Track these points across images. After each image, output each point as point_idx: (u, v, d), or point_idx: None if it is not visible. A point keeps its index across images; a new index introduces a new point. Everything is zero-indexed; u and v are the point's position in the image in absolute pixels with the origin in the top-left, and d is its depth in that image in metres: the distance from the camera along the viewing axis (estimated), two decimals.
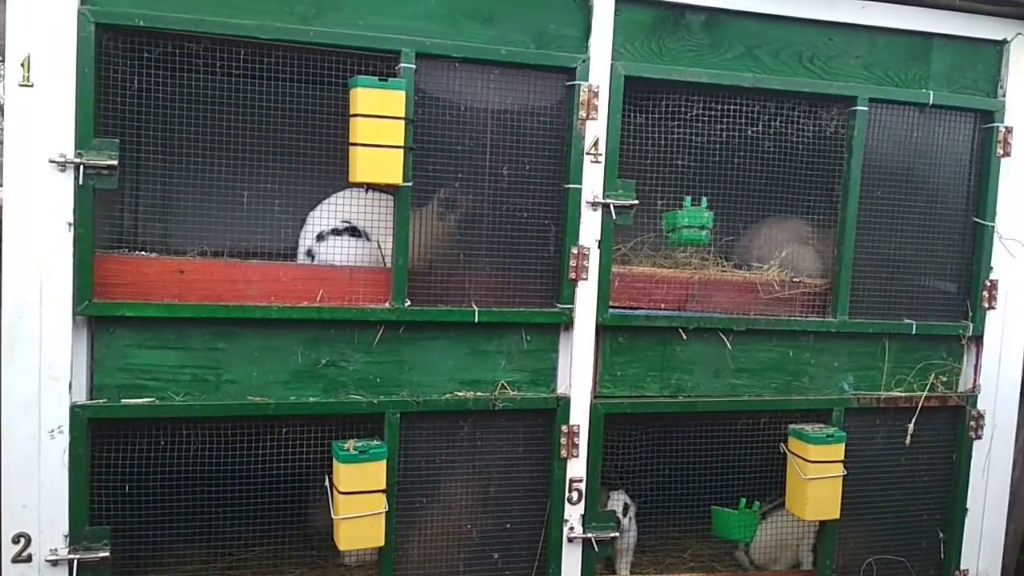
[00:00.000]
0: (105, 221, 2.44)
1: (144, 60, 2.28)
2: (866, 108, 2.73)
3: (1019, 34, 2.86)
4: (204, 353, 2.36)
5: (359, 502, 2.35)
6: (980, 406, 2.96)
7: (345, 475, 2.33)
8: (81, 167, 2.17)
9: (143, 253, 2.43)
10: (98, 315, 2.25)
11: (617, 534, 2.67)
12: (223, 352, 2.37)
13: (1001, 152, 2.88)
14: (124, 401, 2.30)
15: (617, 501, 2.81)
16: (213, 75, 2.34)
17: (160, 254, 2.45)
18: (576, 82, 2.50)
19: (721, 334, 2.73)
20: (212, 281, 2.36)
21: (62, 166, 2.17)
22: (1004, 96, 2.88)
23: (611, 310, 2.61)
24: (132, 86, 2.28)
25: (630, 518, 2.86)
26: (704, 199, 2.65)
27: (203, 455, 2.38)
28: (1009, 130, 2.87)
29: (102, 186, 2.21)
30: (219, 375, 2.37)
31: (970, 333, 2.92)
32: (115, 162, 2.19)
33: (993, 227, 2.89)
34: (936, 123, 2.86)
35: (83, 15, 2.15)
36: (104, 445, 2.32)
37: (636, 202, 2.57)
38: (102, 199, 2.30)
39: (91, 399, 2.28)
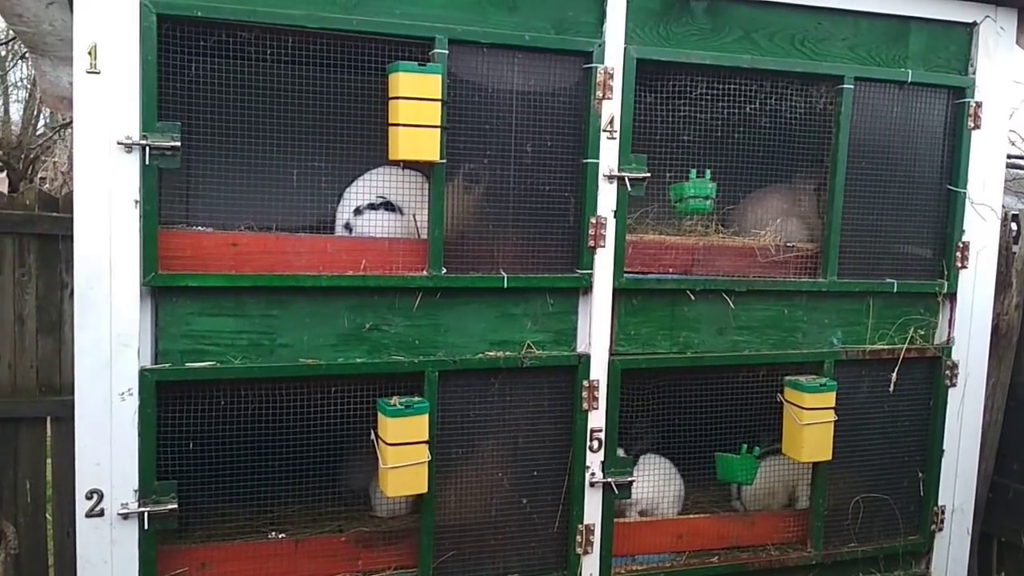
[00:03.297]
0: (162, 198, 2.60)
1: (200, 48, 2.44)
2: (852, 86, 2.99)
3: (987, 17, 3.14)
4: (259, 319, 2.55)
5: (405, 452, 2.56)
6: (954, 357, 3.26)
7: (392, 428, 2.54)
8: (146, 148, 2.34)
9: (200, 228, 2.60)
10: (163, 285, 2.43)
11: (634, 479, 2.92)
12: (276, 318, 2.56)
13: (972, 125, 3.16)
14: (188, 365, 2.48)
15: None
16: (263, 61, 2.52)
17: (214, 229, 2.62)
18: (593, 65, 2.72)
19: (724, 295, 2.98)
20: (264, 253, 2.55)
21: (128, 147, 2.34)
22: (974, 73, 3.15)
23: (626, 274, 2.85)
24: (190, 72, 2.45)
25: None
26: (708, 171, 2.89)
27: (260, 414, 2.58)
28: (979, 105, 3.16)
29: (166, 166, 2.38)
30: (273, 339, 2.56)
31: (945, 290, 3.21)
32: (178, 143, 2.36)
33: (965, 194, 3.18)
34: (914, 99, 3.13)
35: (145, 6, 2.31)
36: (169, 406, 2.51)
37: (648, 175, 2.80)
38: (164, 178, 2.48)
39: (156, 363, 2.46)
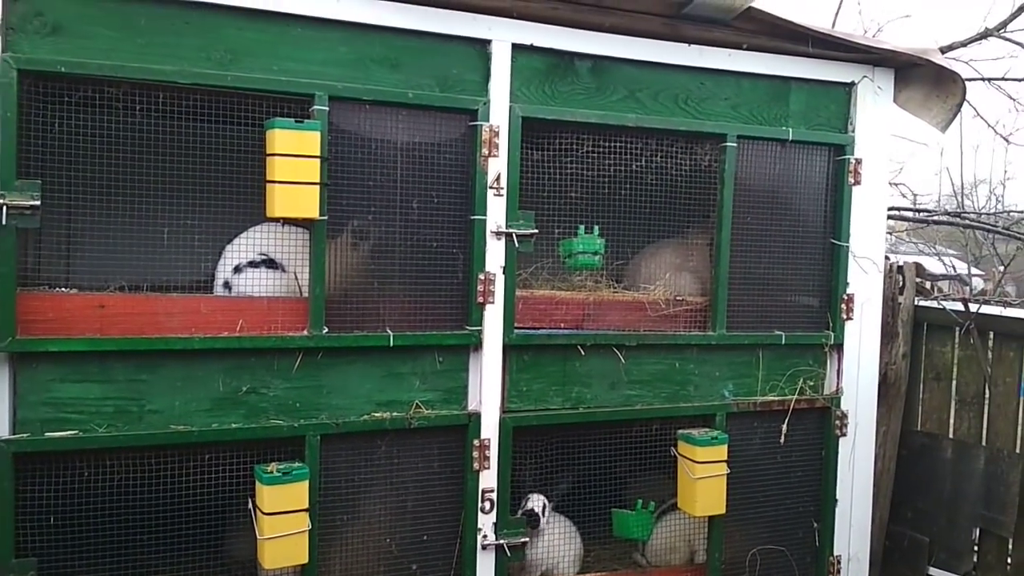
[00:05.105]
0: (25, 258, 2.49)
1: (65, 103, 2.35)
2: (735, 144, 3.06)
3: (865, 77, 3.26)
4: (127, 385, 2.43)
5: (283, 522, 2.46)
6: (843, 406, 3.32)
7: (269, 496, 2.44)
8: (4, 208, 2.23)
9: (64, 289, 2.48)
10: (21, 351, 2.31)
11: (527, 539, 2.87)
12: (146, 383, 2.45)
13: (852, 181, 3.26)
14: (48, 434, 2.35)
15: (536, 501, 3.01)
16: (133, 116, 2.44)
17: (80, 290, 2.50)
18: (478, 122, 2.72)
19: (615, 349, 2.98)
20: (133, 315, 2.44)
21: None
22: (854, 131, 3.26)
23: (516, 330, 2.83)
24: (53, 128, 2.35)
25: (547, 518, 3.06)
26: (596, 227, 2.91)
27: (127, 485, 2.45)
28: (859, 161, 3.26)
29: (25, 225, 2.27)
30: (142, 406, 2.45)
31: (832, 341, 3.28)
32: (38, 202, 2.26)
33: (848, 247, 3.27)
34: (796, 156, 3.22)
35: (5, 62, 2.22)
36: (28, 478, 2.36)
37: (536, 231, 2.80)
38: (24, 238, 2.36)
39: (14, 434, 2.32)
